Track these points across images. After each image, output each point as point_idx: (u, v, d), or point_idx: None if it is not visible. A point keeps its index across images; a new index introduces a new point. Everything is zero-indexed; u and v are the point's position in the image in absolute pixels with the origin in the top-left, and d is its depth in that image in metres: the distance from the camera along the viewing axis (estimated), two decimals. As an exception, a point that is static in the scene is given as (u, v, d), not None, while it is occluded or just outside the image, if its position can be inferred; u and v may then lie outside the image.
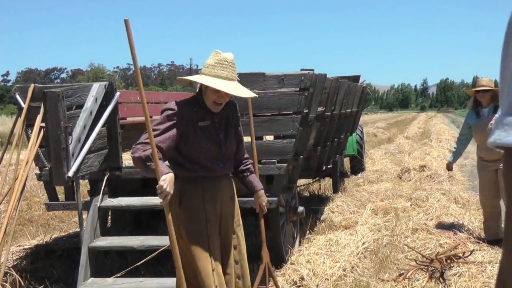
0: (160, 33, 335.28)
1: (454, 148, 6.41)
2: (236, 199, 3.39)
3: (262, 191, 3.46)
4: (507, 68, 0.56)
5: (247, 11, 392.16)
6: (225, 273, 3.20)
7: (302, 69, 4.85)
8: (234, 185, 3.39)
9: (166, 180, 2.88)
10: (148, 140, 2.92)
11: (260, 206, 3.50)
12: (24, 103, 4.73)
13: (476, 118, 5.76)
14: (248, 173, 3.44)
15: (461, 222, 6.43)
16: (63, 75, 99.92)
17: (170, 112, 3.07)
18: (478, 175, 6.07)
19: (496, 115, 5.59)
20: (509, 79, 0.56)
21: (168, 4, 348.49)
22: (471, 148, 16.97)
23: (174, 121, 3.05)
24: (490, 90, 5.56)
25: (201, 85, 3.14)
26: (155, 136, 2.98)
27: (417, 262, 5.01)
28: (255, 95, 3.36)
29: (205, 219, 3.12)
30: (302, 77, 4.67)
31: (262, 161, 4.61)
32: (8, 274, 4.49)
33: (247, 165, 3.44)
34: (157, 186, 2.88)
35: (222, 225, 3.23)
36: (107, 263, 4.98)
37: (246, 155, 3.47)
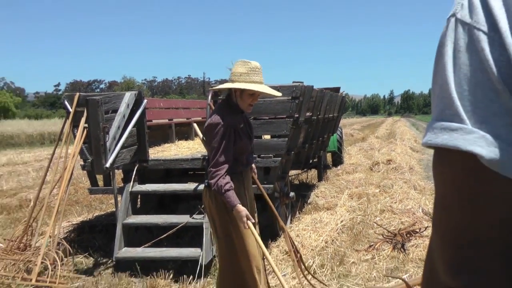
0: (179, 51, 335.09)
1: None
2: None
3: (253, 164, 3.33)
4: (436, 83, 0.58)
5: (249, 33, 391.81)
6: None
7: (293, 82, 4.85)
8: None
9: (240, 211, 2.81)
10: (220, 160, 2.80)
11: (254, 174, 3.39)
12: (71, 108, 4.75)
13: None
14: None
15: (418, 204, 6.43)
16: (102, 86, 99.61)
17: (222, 127, 2.84)
18: None
19: None
20: (437, 92, 0.57)
21: (184, 27, 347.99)
22: (428, 146, 17.02)
23: (228, 134, 2.86)
24: None
25: (235, 91, 2.96)
26: (226, 152, 2.82)
27: (384, 236, 5.03)
28: (280, 94, 3.24)
29: (248, 206, 3.00)
30: (294, 88, 4.68)
31: (261, 155, 4.62)
32: (60, 244, 4.51)
33: None
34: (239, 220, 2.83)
35: (251, 206, 3.15)
36: (137, 236, 5.00)
37: None
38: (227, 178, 2.83)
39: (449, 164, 0.57)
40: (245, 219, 2.83)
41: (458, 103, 0.55)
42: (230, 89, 3.01)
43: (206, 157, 3.46)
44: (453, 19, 0.57)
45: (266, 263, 3.28)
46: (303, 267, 3.80)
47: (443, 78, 0.57)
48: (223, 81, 3.21)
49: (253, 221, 2.92)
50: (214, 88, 3.35)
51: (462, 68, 0.55)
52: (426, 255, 0.64)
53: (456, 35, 0.56)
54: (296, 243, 4.70)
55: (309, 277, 3.87)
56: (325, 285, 3.89)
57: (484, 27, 0.54)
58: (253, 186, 3.34)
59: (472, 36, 0.55)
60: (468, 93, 0.54)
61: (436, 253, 0.60)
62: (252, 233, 2.95)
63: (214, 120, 2.88)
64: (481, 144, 0.53)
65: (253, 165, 3.35)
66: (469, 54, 0.55)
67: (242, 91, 2.94)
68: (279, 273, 3.11)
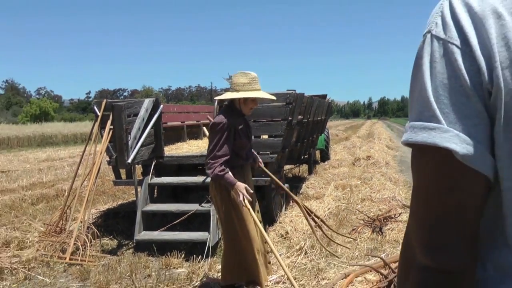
0: (190, 64, 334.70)
1: None
2: None
3: (258, 157, 3.35)
4: (415, 89, 0.58)
5: (249, 48, 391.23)
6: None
7: (287, 90, 4.82)
8: None
9: (239, 187, 2.79)
10: (217, 154, 2.81)
11: (260, 163, 3.34)
12: (99, 112, 4.72)
13: None
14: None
15: (393, 194, 6.39)
16: (125, 93, 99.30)
17: (223, 126, 2.85)
18: None
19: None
20: (416, 97, 0.58)
21: (194, 43, 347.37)
22: (399, 144, 16.97)
23: (228, 131, 2.86)
24: None
25: (238, 99, 2.95)
26: (223, 147, 2.82)
27: (364, 221, 4.98)
28: (275, 98, 3.23)
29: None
30: (288, 95, 4.64)
31: (260, 152, 4.57)
32: (89, 228, 4.48)
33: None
34: (237, 196, 2.79)
35: (252, 197, 3.10)
36: (154, 221, 4.96)
37: None
38: (223, 166, 2.82)
39: (427, 159, 0.57)
40: (244, 191, 2.80)
41: (435, 106, 0.55)
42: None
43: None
44: (428, 35, 0.58)
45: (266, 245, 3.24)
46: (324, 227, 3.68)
47: (421, 85, 0.57)
48: (226, 90, 3.18)
49: (252, 191, 2.90)
50: (220, 97, 3.32)
51: (438, 76, 0.55)
52: (403, 238, 0.63)
53: (432, 48, 0.57)
54: (289, 227, 4.66)
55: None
56: (350, 237, 3.83)
57: (457, 42, 0.54)
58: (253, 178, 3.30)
59: (447, 49, 0.55)
60: (444, 97, 0.55)
61: (412, 236, 0.60)
62: (250, 214, 2.91)
63: (217, 120, 2.90)
64: (455, 141, 0.53)
65: (259, 157, 3.34)
66: (444, 64, 0.55)
67: (246, 98, 2.92)
68: (277, 253, 3.06)
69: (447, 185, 0.56)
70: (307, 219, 3.48)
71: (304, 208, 3.50)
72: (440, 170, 0.56)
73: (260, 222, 3.16)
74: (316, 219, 3.54)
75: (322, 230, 3.57)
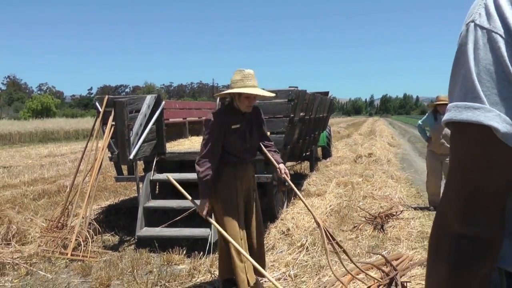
0: (192, 60, 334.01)
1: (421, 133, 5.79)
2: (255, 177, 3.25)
3: (283, 165, 3.21)
4: (459, 73, 0.61)
5: (251, 45, 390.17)
6: (249, 230, 3.09)
7: (289, 87, 4.79)
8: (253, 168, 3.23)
9: (201, 205, 2.93)
10: (206, 153, 2.89)
11: (284, 174, 3.15)
12: (101, 108, 4.71)
13: (434, 121, 5.43)
14: (272, 150, 3.23)
15: (394, 192, 6.38)
16: (127, 90, 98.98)
17: (214, 123, 2.90)
18: (427, 163, 5.63)
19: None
20: (460, 80, 0.61)
21: (196, 40, 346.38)
22: (401, 141, 16.92)
23: (218, 129, 2.89)
24: (447, 103, 5.29)
25: (234, 95, 2.95)
26: (212, 145, 2.87)
27: (366, 218, 4.97)
28: (273, 94, 3.14)
29: (236, 192, 2.98)
30: (290, 92, 4.63)
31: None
32: (91, 224, 4.49)
33: (271, 146, 3.25)
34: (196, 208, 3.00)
35: (247, 195, 3.10)
36: (156, 217, 4.97)
37: (271, 142, 3.28)
38: (208, 170, 2.86)
39: (469, 136, 0.61)
40: (204, 211, 2.93)
41: (479, 88, 0.59)
42: (231, 95, 3.00)
43: None
44: (472, 24, 0.62)
45: (266, 241, 3.23)
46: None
47: (466, 69, 0.61)
48: (227, 87, 3.17)
49: (208, 218, 2.98)
50: (217, 94, 3.31)
51: (481, 62, 0.60)
52: (437, 209, 0.68)
53: (475, 36, 0.61)
54: (291, 224, 4.65)
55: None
56: (373, 277, 3.03)
57: (501, 32, 0.59)
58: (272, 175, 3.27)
59: (490, 37, 0.60)
60: (486, 81, 0.59)
61: (448, 208, 0.65)
62: (214, 225, 3.00)
63: (208, 117, 2.96)
64: (497, 120, 0.58)
65: (283, 167, 3.17)
66: (487, 51, 0.59)
67: (240, 94, 2.93)
68: (247, 255, 2.87)
69: (485, 160, 0.60)
70: (324, 242, 3.01)
71: (326, 233, 3.04)
72: (480, 147, 0.60)
73: (258, 222, 3.17)
74: (337, 247, 3.05)
75: (339, 258, 3.04)
